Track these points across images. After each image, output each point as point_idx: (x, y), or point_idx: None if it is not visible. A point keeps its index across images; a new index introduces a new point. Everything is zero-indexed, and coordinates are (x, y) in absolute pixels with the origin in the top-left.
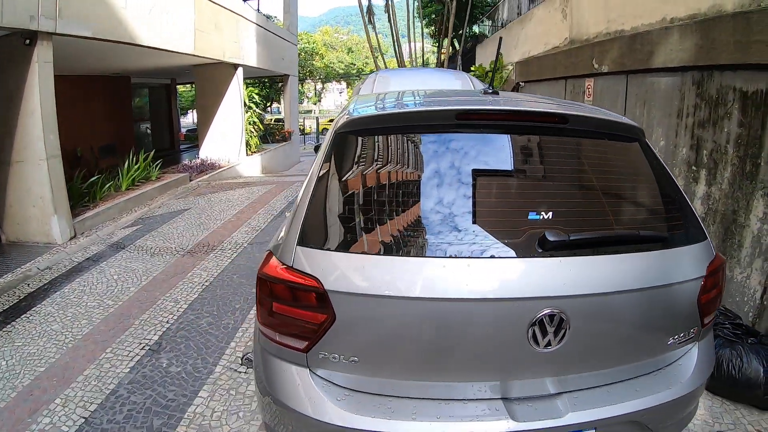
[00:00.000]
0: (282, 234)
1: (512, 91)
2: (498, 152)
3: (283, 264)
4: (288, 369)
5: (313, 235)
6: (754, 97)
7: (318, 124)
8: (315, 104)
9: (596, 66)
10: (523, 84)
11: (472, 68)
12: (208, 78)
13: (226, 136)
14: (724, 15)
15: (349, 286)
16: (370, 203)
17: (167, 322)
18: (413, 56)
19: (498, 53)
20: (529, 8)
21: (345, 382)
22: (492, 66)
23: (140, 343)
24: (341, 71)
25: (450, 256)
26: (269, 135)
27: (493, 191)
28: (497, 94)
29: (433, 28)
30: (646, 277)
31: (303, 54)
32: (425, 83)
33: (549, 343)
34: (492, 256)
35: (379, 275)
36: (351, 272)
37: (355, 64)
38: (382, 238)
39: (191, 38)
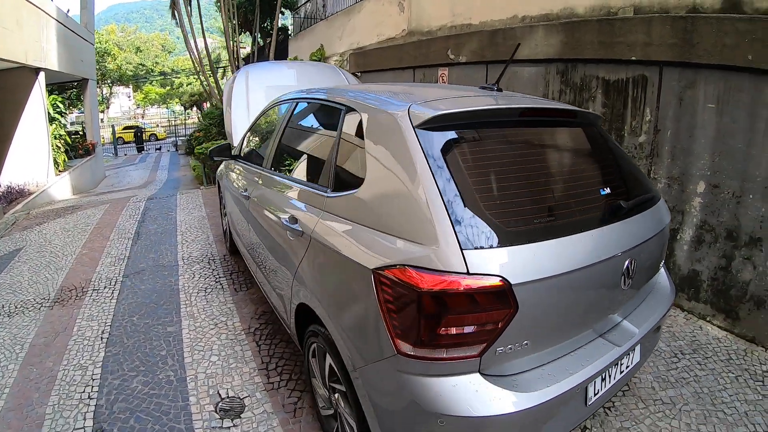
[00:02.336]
0: (393, 246)
1: None
2: (559, 142)
3: (455, 272)
4: (458, 381)
5: (477, 236)
6: (616, 84)
7: (114, 132)
8: (103, 111)
9: (452, 57)
10: (359, 74)
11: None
12: (6, 86)
13: (30, 155)
14: (590, 20)
15: (531, 275)
16: (519, 194)
17: (90, 397)
18: (214, 52)
19: (513, 53)
20: (334, 2)
21: (510, 369)
22: (312, 57)
23: None
24: (131, 73)
25: (588, 229)
26: (72, 149)
27: (578, 173)
28: (501, 90)
29: (235, 22)
30: (658, 223)
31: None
32: (303, 77)
33: (630, 283)
34: (606, 224)
35: (553, 255)
36: (530, 261)
37: (144, 65)
38: (544, 224)
39: None
